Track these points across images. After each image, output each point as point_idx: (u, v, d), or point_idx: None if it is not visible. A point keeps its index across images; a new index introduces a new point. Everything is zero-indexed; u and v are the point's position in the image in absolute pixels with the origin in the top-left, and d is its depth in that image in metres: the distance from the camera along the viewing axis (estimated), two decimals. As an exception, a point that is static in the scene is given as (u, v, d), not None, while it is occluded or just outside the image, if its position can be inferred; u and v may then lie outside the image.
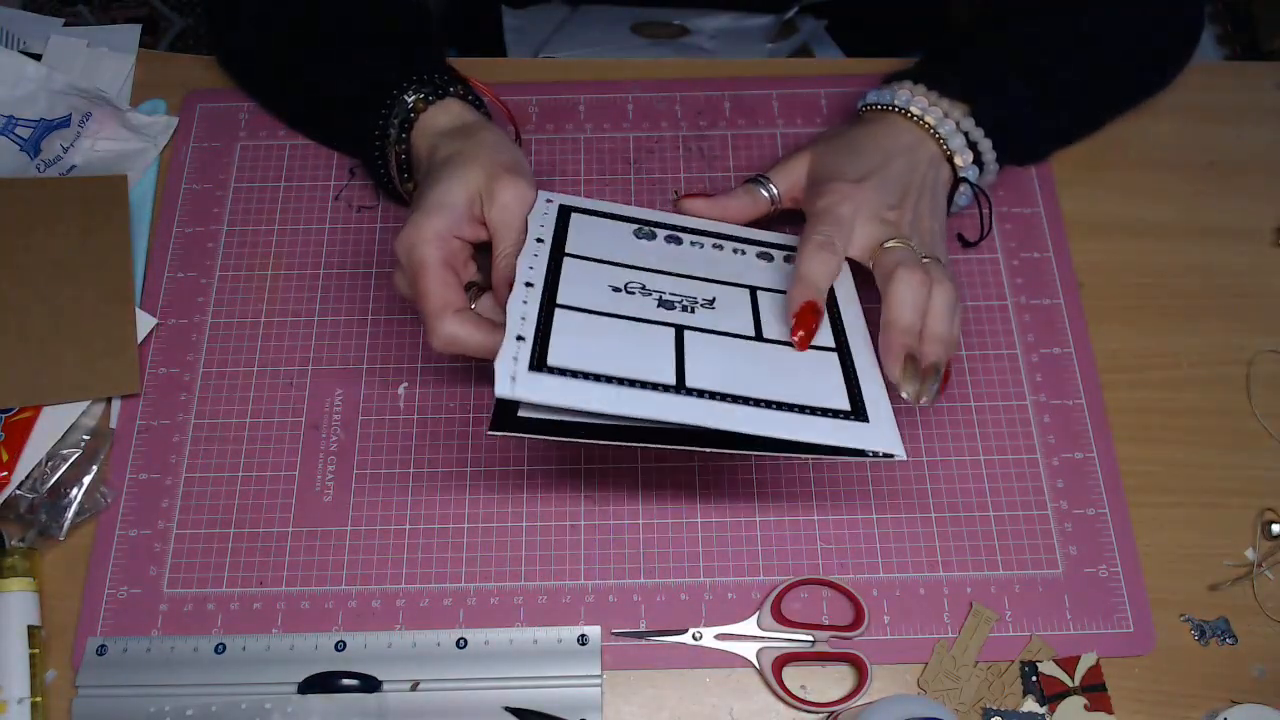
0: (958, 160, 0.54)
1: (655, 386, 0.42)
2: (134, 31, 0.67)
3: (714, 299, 0.48)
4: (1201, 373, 0.56)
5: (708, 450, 0.43)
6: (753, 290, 0.50)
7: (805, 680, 0.49)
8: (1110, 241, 0.60)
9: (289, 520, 0.53)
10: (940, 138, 0.54)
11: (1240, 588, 0.51)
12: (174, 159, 0.63)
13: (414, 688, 0.48)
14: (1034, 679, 0.49)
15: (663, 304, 0.47)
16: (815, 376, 0.46)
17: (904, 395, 0.47)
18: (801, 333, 0.47)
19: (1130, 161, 0.63)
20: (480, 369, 0.56)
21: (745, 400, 0.43)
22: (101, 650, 0.49)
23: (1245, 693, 0.49)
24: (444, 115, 0.53)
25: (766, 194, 0.55)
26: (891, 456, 0.43)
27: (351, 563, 0.52)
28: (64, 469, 0.53)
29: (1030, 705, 0.48)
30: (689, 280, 0.49)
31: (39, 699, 0.48)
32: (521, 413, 0.43)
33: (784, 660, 0.49)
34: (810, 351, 0.47)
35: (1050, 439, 0.54)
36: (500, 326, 0.45)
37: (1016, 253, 0.59)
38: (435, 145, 0.52)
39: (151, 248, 0.60)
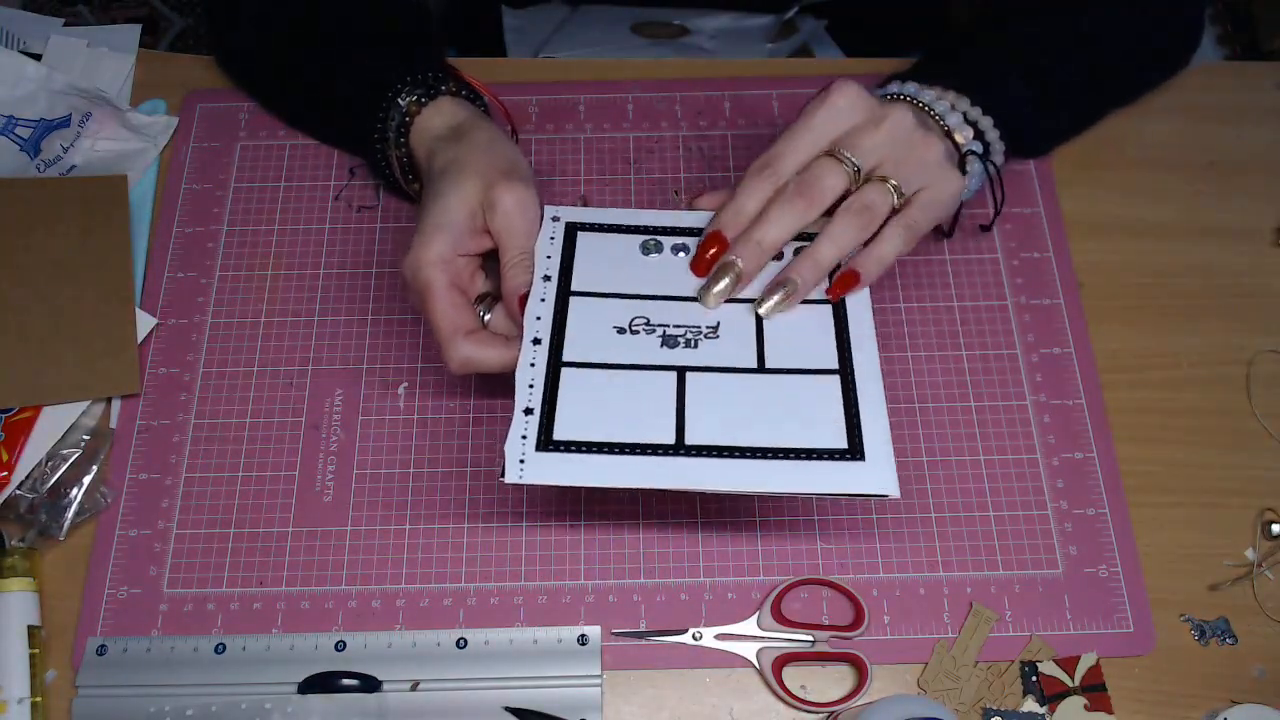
0: (958, 137, 0.53)
1: (656, 450, 0.45)
2: (134, 31, 0.67)
3: (718, 325, 0.49)
4: (1201, 373, 0.56)
5: (707, 492, 0.44)
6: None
7: (805, 680, 0.49)
8: (1110, 241, 0.60)
9: (289, 520, 0.52)
10: (936, 115, 0.53)
11: (1240, 588, 0.51)
12: (174, 159, 0.63)
13: (414, 688, 0.48)
14: (1034, 679, 0.49)
15: (666, 341, 0.48)
16: (814, 409, 0.46)
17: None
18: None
19: (1130, 161, 0.63)
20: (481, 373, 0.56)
21: (740, 452, 0.45)
22: (101, 650, 0.49)
23: (1245, 693, 0.49)
24: (438, 116, 0.53)
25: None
26: (885, 496, 0.44)
27: (351, 563, 0.52)
28: (64, 469, 0.53)
29: (1030, 705, 0.48)
30: (694, 304, 0.50)
31: (39, 699, 0.48)
32: None
33: (784, 660, 0.49)
34: (811, 376, 0.47)
35: (1050, 439, 0.54)
36: (514, 341, 0.47)
37: (1016, 253, 0.59)
38: (433, 150, 0.52)
39: (151, 248, 0.60)
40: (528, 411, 0.45)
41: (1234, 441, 0.55)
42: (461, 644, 0.49)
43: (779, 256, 0.51)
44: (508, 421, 0.45)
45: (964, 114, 0.54)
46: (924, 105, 0.53)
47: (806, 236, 0.50)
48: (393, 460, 0.54)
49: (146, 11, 1.49)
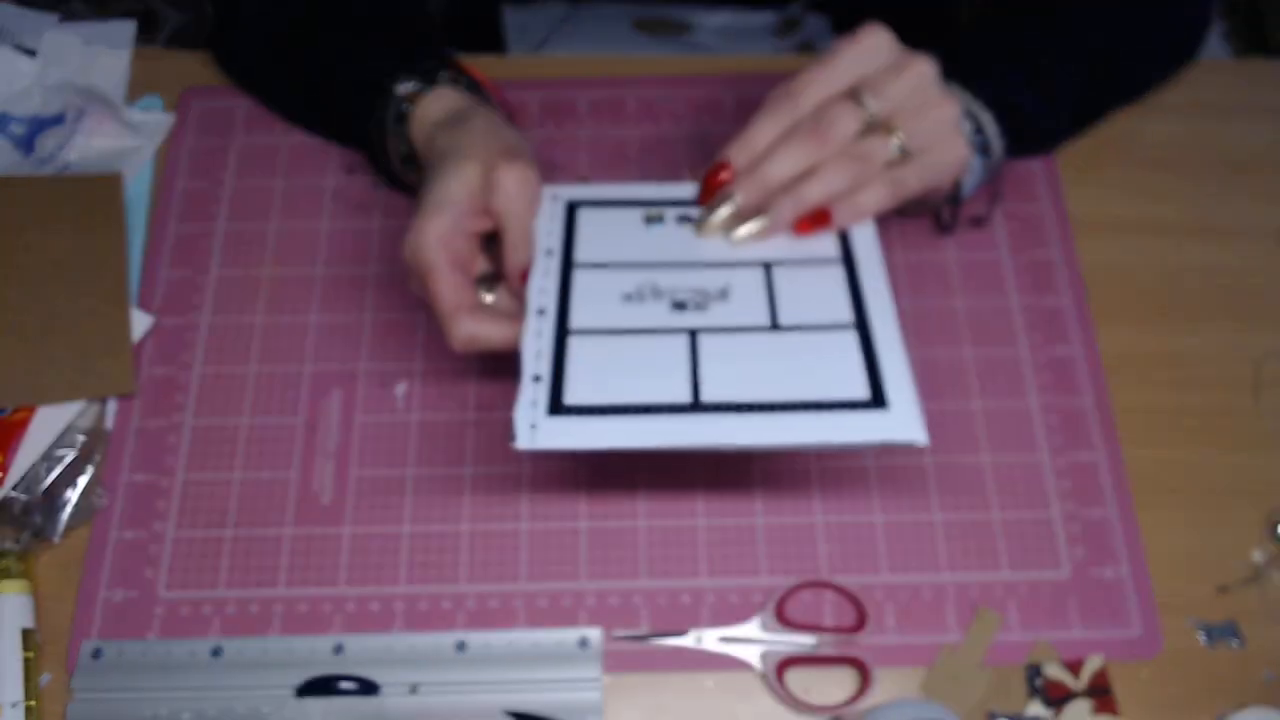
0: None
1: (672, 409, 0.43)
2: (130, 27, 0.66)
3: (727, 287, 0.48)
4: (1208, 373, 0.56)
5: (727, 450, 0.42)
6: (767, 267, 0.49)
7: (808, 683, 0.49)
8: (1116, 241, 0.60)
9: (286, 522, 0.52)
10: None
11: (1248, 590, 0.51)
12: (170, 156, 0.62)
13: (413, 691, 0.48)
14: (1039, 682, 0.48)
15: (675, 306, 0.47)
16: (832, 362, 0.45)
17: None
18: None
19: (1136, 160, 0.62)
20: (481, 367, 0.56)
21: (760, 407, 0.43)
22: (97, 654, 0.49)
23: (1253, 696, 0.48)
24: (437, 104, 0.53)
25: None
26: (914, 444, 0.42)
27: (349, 565, 0.51)
28: (59, 470, 0.52)
29: (1036, 709, 0.48)
30: (701, 269, 0.49)
31: (34, 703, 0.48)
32: None
33: (787, 663, 0.49)
34: (827, 332, 0.46)
35: (1056, 440, 0.54)
36: (517, 319, 0.46)
37: (1022, 252, 0.59)
38: (432, 137, 0.52)
39: (147, 246, 0.59)
40: (536, 379, 0.44)
41: (1241, 442, 0.54)
42: (461, 647, 0.49)
43: None
44: (509, 421, 0.44)
45: (966, 108, 0.53)
46: None
47: None
48: (392, 460, 0.53)
49: (142, 7, 1.48)
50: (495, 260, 0.51)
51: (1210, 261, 0.59)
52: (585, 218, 0.51)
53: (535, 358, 0.45)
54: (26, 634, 0.49)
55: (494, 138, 0.50)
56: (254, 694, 0.48)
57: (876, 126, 0.49)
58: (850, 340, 0.46)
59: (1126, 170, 0.62)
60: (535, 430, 0.42)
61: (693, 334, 0.46)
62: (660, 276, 0.48)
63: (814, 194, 0.48)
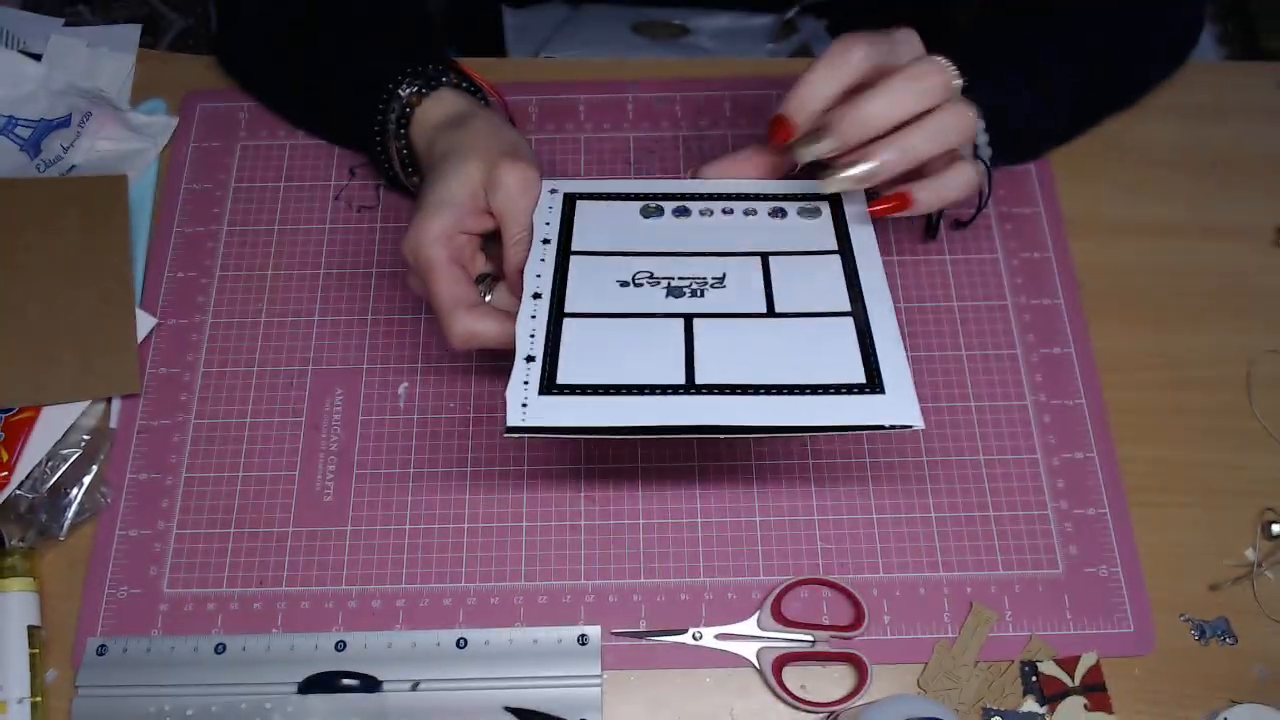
0: None
1: (665, 390, 0.43)
2: (134, 31, 0.67)
3: (724, 275, 0.48)
4: (1202, 373, 0.56)
5: (722, 436, 0.42)
6: (764, 257, 0.50)
7: (805, 680, 0.49)
8: (1110, 241, 0.60)
9: (289, 520, 0.52)
10: None
11: (1240, 588, 0.51)
12: (174, 159, 0.63)
13: (414, 688, 0.48)
14: (1034, 679, 0.49)
15: (671, 292, 0.47)
16: (828, 347, 0.45)
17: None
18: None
19: (1130, 161, 0.63)
20: (482, 366, 0.56)
21: (755, 389, 0.43)
22: (101, 650, 0.49)
23: (1245, 693, 0.49)
24: (438, 107, 0.53)
25: None
26: (909, 428, 0.42)
27: (351, 563, 0.51)
28: (64, 469, 0.53)
29: (1030, 705, 0.48)
30: (698, 258, 0.49)
31: (39, 699, 0.48)
32: None
33: (784, 660, 0.49)
34: (823, 319, 0.46)
35: (1050, 439, 0.54)
36: (516, 315, 0.46)
37: (1016, 253, 0.59)
38: (433, 139, 0.52)
39: (151, 247, 0.60)
40: (529, 359, 0.44)
41: (1235, 441, 0.55)
42: (461, 644, 0.49)
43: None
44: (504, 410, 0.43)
45: None
46: None
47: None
48: (393, 460, 0.54)
49: (146, 11, 1.49)
50: (495, 260, 0.51)
51: (1203, 262, 0.59)
52: (583, 209, 0.51)
53: (529, 339, 0.45)
54: (32, 631, 0.49)
55: (495, 138, 0.50)
56: (257, 690, 0.48)
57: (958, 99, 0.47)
58: (847, 326, 0.46)
59: (1121, 171, 0.62)
60: (526, 409, 0.42)
61: (688, 319, 0.46)
62: (656, 264, 0.48)
63: (922, 147, 0.46)
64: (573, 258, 0.49)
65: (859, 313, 0.46)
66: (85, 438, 0.54)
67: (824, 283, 0.48)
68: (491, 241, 0.51)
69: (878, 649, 0.49)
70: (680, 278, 0.48)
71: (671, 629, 0.50)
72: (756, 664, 0.49)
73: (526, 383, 0.43)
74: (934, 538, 0.52)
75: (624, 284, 0.48)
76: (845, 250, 0.49)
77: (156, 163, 0.63)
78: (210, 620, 0.50)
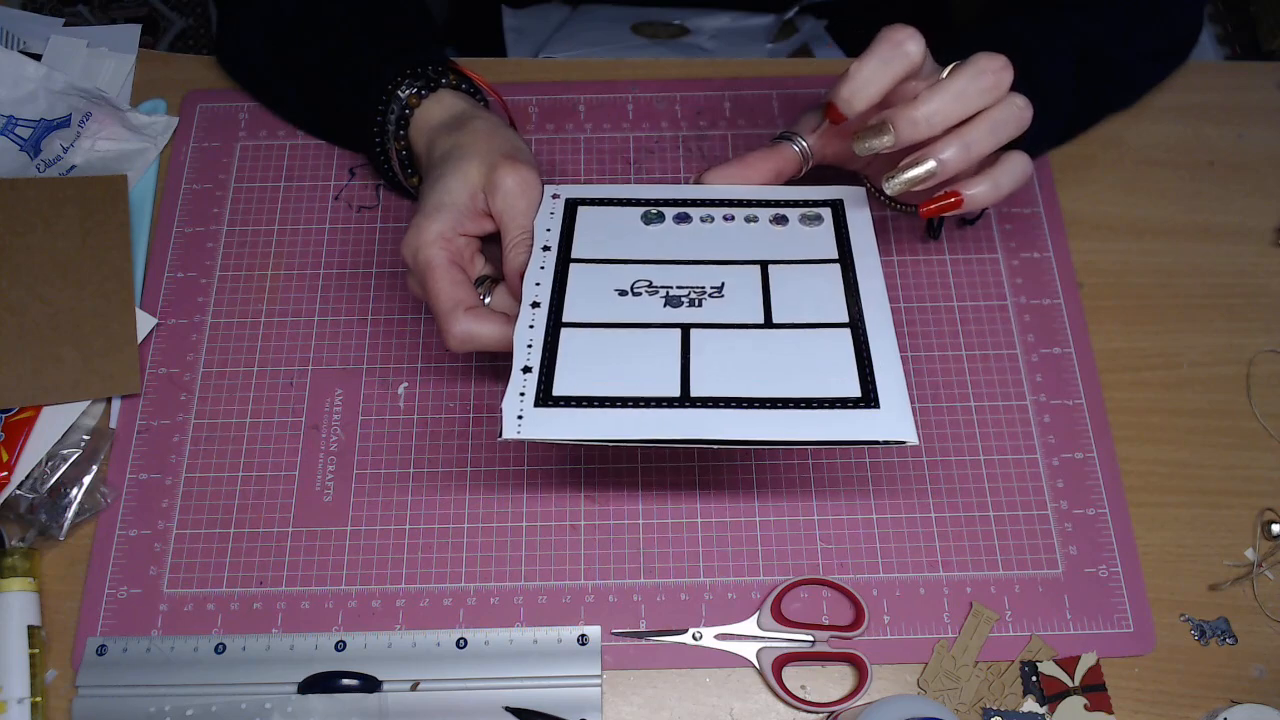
0: None
1: (660, 402, 0.43)
2: (134, 31, 0.67)
3: (723, 285, 0.48)
4: (1201, 372, 0.56)
5: (717, 446, 0.43)
6: (764, 266, 0.50)
7: (805, 680, 0.49)
8: (1110, 241, 0.60)
9: (289, 520, 0.53)
10: None
11: (1240, 588, 0.51)
12: (174, 159, 0.63)
13: (414, 688, 0.48)
14: (1034, 679, 0.49)
15: (670, 302, 0.47)
16: (824, 360, 0.45)
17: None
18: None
19: (1130, 161, 0.63)
20: (482, 367, 0.56)
21: (749, 403, 0.43)
22: (101, 650, 0.49)
23: (1245, 692, 0.49)
24: (438, 108, 0.53)
25: (797, 149, 0.53)
26: (903, 443, 0.42)
27: (351, 563, 0.52)
28: (64, 469, 0.53)
29: (1030, 705, 0.48)
30: (697, 266, 0.49)
31: (39, 699, 0.48)
32: None
33: (784, 660, 0.49)
34: (821, 330, 0.46)
35: (1050, 439, 0.54)
36: (514, 319, 0.46)
37: (1016, 253, 0.59)
38: (432, 141, 0.52)
39: (151, 247, 0.60)
40: (526, 370, 0.44)
41: (1234, 441, 0.55)
42: (461, 644, 0.49)
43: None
44: (499, 415, 0.44)
45: None
46: None
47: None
48: (393, 460, 0.54)
49: (146, 11, 1.49)
50: (495, 262, 0.51)
51: (1203, 262, 0.60)
52: (584, 214, 0.51)
53: (526, 349, 0.45)
54: (32, 630, 0.49)
55: (495, 140, 0.50)
56: (257, 690, 0.48)
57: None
58: (844, 339, 0.46)
59: (1120, 171, 0.62)
60: (521, 421, 0.42)
61: (685, 330, 0.46)
62: (655, 273, 0.49)
63: (983, 143, 0.46)
64: (572, 265, 0.49)
65: (857, 324, 0.47)
66: (85, 438, 0.54)
67: (823, 293, 0.48)
68: (491, 243, 0.51)
69: (878, 649, 0.49)
70: (679, 287, 0.48)
71: (671, 629, 0.50)
72: (756, 664, 0.49)
73: (523, 394, 0.43)
74: (934, 538, 0.52)
75: (623, 293, 0.48)
76: (846, 258, 0.49)
77: (156, 163, 0.63)
78: (210, 620, 0.50)
